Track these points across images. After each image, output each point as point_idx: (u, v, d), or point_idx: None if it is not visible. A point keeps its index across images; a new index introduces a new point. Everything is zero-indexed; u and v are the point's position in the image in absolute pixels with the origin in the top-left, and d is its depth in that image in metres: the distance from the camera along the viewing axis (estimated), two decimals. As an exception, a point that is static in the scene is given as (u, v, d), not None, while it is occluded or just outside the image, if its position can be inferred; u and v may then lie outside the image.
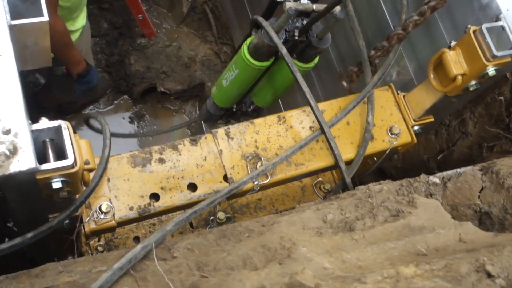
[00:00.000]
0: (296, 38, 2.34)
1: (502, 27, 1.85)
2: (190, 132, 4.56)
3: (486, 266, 1.02)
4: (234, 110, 3.10)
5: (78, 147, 1.44)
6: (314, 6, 2.30)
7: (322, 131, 1.98)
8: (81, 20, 3.11)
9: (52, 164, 1.34)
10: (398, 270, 1.05)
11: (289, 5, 2.24)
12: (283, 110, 3.61)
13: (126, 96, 4.53)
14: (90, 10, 4.40)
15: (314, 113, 1.99)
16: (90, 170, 1.51)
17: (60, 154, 1.41)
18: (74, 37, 3.10)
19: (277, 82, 2.69)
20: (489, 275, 1.01)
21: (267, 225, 1.44)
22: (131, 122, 4.47)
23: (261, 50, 2.34)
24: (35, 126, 1.37)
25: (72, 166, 1.37)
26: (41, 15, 1.46)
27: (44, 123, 1.40)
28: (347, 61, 3.03)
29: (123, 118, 4.46)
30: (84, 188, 1.57)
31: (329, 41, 2.40)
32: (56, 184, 1.38)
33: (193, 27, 4.74)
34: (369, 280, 1.03)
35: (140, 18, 4.09)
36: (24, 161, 1.26)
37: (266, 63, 2.44)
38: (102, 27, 4.54)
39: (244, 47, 2.42)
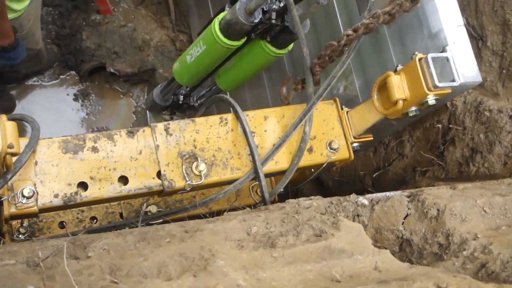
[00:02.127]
0: (273, 21, 2.19)
1: (447, 59, 1.89)
2: (135, 117, 4.48)
3: (393, 301, 1.04)
4: (181, 102, 3.05)
5: (3, 130, 1.37)
6: None
7: (255, 172, 2.01)
8: (32, -12, 2.98)
9: (-31, 146, 1.28)
10: (308, 296, 1.05)
11: None
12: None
13: (73, 72, 4.39)
14: (45, -22, 4.24)
15: (251, 153, 2.03)
16: (13, 154, 1.44)
17: (-18, 135, 1.35)
18: (22, 5, 2.97)
19: (245, 65, 2.54)
20: (394, 311, 1.03)
21: (190, 232, 1.42)
22: (76, 99, 4.34)
23: (234, 27, 2.17)
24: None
25: (-7, 149, 1.31)
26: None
27: (-33, 101, 1.32)
28: (298, 66, 3.03)
29: (68, 95, 4.32)
30: (5, 171, 1.50)
31: (307, 28, 2.26)
32: (-27, 167, 1.32)
33: (151, 10, 4.64)
34: (278, 303, 1.03)
35: (97, -6, 3.97)
36: None
37: (236, 43, 2.26)
38: (56, -4, 4.38)
39: (216, 22, 2.23)
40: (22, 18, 3.02)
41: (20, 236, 2.33)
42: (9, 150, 1.41)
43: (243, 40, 2.28)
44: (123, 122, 4.48)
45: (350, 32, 2.04)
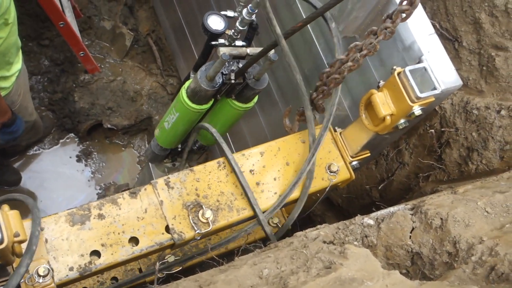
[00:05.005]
0: (233, 81, 2.36)
1: (425, 69, 1.93)
2: (140, 167, 4.53)
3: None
4: (180, 149, 3.10)
5: (7, 221, 1.42)
6: (248, 50, 2.34)
7: (258, 222, 2.06)
8: (16, 64, 3.06)
9: (-22, 244, 1.32)
10: (324, 336, 1.08)
11: (222, 50, 2.27)
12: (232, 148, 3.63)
13: (72, 134, 4.47)
14: (29, 48, 4.34)
15: (251, 204, 2.07)
16: (20, 242, 1.48)
17: (-11, 229, 1.39)
18: (10, 82, 3.04)
19: (219, 121, 2.69)
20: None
21: (204, 285, 1.45)
22: (79, 160, 4.40)
23: (199, 94, 2.35)
24: (-41, 205, 1.34)
25: (0, 243, 1.35)
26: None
27: (-31, 200, 1.37)
28: (286, 92, 3.09)
29: (70, 157, 4.39)
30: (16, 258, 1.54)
31: (266, 82, 2.43)
32: (-15, 262, 1.36)
33: (137, 60, 4.73)
34: None
35: (82, 55, 4.04)
36: None
37: (205, 106, 2.45)
38: (43, 64, 4.48)
39: (183, 91, 2.42)
40: (12, 94, 3.10)
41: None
42: (16, 239, 1.45)
43: (211, 102, 2.46)
44: (129, 173, 4.54)
45: (337, 76, 2.10)
